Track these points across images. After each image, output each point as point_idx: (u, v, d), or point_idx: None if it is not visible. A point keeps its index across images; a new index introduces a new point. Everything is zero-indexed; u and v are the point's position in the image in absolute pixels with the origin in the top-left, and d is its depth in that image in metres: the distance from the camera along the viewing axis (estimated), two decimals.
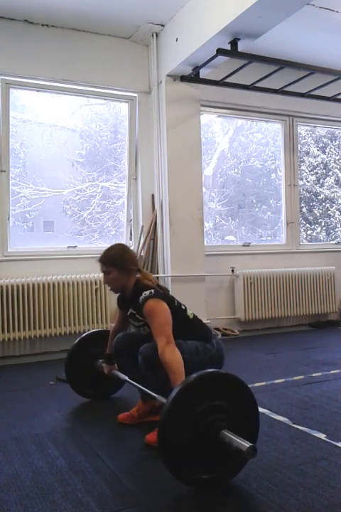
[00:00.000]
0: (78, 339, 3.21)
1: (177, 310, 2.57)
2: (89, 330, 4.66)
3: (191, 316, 2.64)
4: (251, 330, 5.61)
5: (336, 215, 6.85)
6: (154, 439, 2.33)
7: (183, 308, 2.65)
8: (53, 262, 4.77)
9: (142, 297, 2.45)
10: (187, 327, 2.58)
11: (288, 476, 2.01)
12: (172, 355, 2.25)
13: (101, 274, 2.67)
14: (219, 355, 2.59)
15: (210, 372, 2.02)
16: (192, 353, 2.47)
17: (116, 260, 2.59)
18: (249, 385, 3.32)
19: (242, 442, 1.78)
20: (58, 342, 4.62)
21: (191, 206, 5.04)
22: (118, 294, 2.81)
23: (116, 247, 2.73)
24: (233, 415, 1.91)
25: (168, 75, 4.93)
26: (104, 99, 5.25)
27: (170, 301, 2.56)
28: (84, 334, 3.28)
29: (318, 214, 6.77)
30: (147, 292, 2.45)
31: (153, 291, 2.47)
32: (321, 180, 6.87)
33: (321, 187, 6.84)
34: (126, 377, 2.75)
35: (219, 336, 5.28)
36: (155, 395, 2.33)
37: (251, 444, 1.76)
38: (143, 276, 2.64)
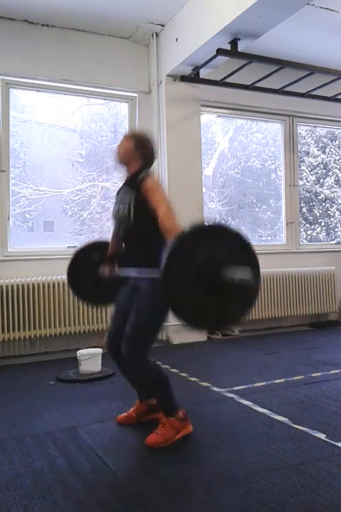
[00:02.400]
0: (79, 248, 3.20)
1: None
2: (89, 330, 4.69)
3: None
4: (251, 330, 5.61)
5: (336, 215, 6.85)
6: (155, 441, 2.33)
7: None
8: (53, 262, 4.76)
9: (143, 173, 2.47)
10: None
11: (288, 476, 2.01)
12: (174, 221, 2.25)
13: None
14: None
15: (204, 224, 2.15)
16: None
17: (141, 139, 2.60)
18: (249, 385, 3.36)
19: (244, 271, 1.87)
20: (58, 342, 4.62)
21: (191, 206, 5.03)
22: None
23: (148, 136, 2.73)
24: (232, 260, 1.98)
25: (168, 75, 4.93)
26: (104, 99, 5.25)
27: None
28: (85, 243, 3.28)
29: (318, 214, 6.77)
30: (148, 177, 2.47)
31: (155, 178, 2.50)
32: (321, 180, 6.87)
33: (321, 187, 6.84)
34: (127, 273, 2.78)
35: (219, 336, 5.28)
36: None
37: (253, 272, 1.86)
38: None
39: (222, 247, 1.98)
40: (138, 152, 2.56)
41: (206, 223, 2.16)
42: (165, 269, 1.87)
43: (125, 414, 2.73)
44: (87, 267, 3.07)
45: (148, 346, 2.42)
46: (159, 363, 2.59)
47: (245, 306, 2.03)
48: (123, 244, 2.64)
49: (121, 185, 2.68)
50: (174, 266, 1.89)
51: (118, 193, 2.66)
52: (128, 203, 2.47)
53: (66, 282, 4.56)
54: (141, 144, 2.58)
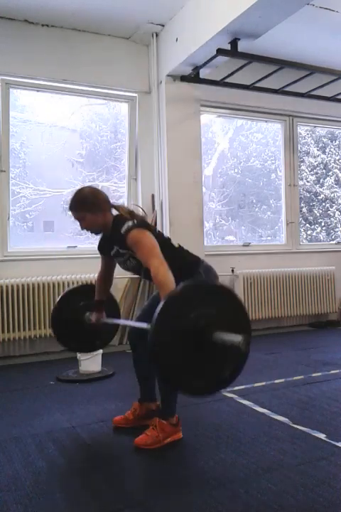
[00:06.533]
0: (64, 293, 3.12)
1: (162, 240, 2.46)
2: None
3: (176, 245, 2.55)
4: (251, 330, 5.60)
5: (336, 215, 6.85)
6: (144, 442, 2.33)
7: (166, 237, 2.58)
8: (53, 262, 4.76)
9: (124, 228, 2.35)
10: (174, 254, 2.46)
11: (288, 476, 2.01)
12: (166, 276, 2.15)
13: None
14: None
15: (195, 282, 2.11)
16: None
17: (87, 203, 2.46)
18: (249, 385, 3.36)
19: (234, 336, 1.83)
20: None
21: (191, 206, 5.03)
22: (99, 240, 2.71)
23: (84, 190, 2.58)
24: (223, 320, 1.96)
25: (167, 75, 4.93)
26: (104, 99, 5.25)
27: (153, 230, 2.46)
28: (70, 288, 3.20)
29: (318, 214, 6.77)
30: (129, 223, 2.36)
31: (135, 221, 2.39)
32: (321, 180, 6.87)
33: (321, 187, 6.84)
34: (115, 321, 2.74)
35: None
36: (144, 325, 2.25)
37: (243, 335, 1.81)
38: (121, 209, 2.53)
39: (212, 309, 1.93)
40: (100, 214, 2.48)
41: (199, 283, 2.10)
42: (154, 331, 1.81)
43: (122, 416, 2.68)
44: (72, 314, 2.92)
45: None
46: None
47: (233, 371, 1.98)
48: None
49: (105, 241, 2.62)
50: (163, 327, 1.83)
51: (104, 242, 2.62)
52: (129, 256, 2.44)
53: (66, 283, 4.64)
54: (94, 206, 2.46)
